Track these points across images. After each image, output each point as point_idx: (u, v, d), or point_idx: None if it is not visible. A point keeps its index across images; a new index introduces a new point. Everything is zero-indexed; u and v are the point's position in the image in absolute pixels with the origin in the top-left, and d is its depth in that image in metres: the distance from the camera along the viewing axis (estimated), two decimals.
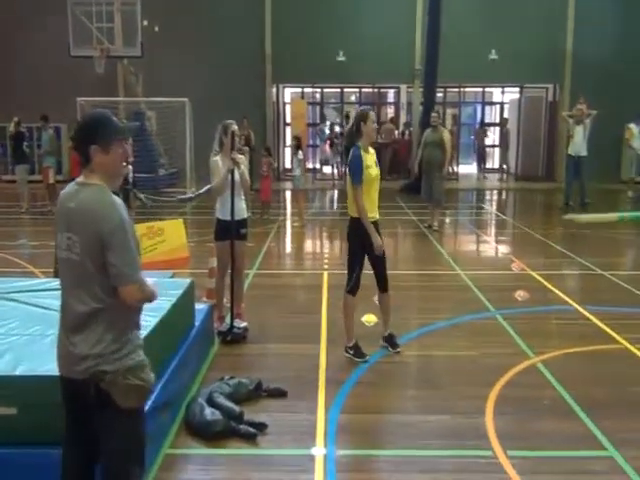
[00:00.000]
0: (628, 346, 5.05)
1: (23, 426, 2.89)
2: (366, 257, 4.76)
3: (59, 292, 4.32)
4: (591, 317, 5.79)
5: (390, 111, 19.81)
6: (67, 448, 2.51)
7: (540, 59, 16.44)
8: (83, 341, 2.30)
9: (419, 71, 16.10)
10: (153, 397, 3.38)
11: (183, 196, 7.12)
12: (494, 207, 14.56)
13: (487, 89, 19.59)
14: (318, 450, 3.54)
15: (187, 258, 7.57)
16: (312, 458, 3.46)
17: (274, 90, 17.26)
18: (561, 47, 16.73)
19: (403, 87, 17.72)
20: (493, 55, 16.69)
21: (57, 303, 4.00)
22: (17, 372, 2.98)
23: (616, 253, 9.24)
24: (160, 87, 14.83)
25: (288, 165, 17.78)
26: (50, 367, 2.78)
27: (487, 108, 20.57)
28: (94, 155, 2.31)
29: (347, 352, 4.80)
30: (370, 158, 4.65)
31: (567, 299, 6.40)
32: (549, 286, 6.88)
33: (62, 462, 2.52)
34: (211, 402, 3.82)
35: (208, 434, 3.61)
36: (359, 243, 4.68)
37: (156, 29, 15.01)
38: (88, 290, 2.29)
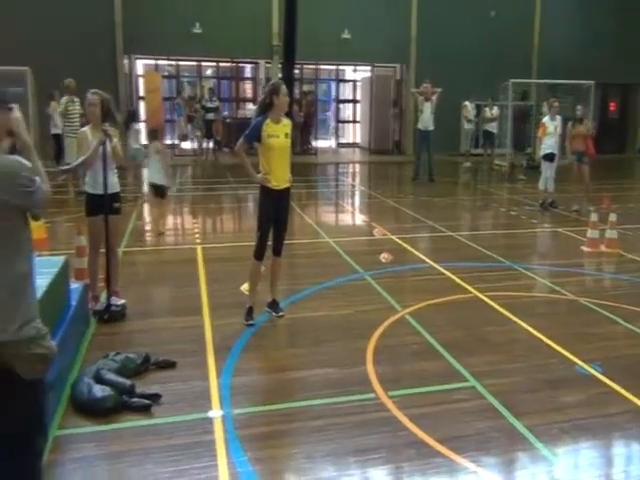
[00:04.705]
0: (477, 294, 5.77)
1: None
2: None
3: None
4: (445, 272, 6.49)
5: (248, 86, 19.74)
6: None
7: (389, 40, 17.44)
8: None
9: (277, 47, 16.20)
10: None
11: (63, 167, 6.79)
12: (352, 179, 15.32)
13: (340, 67, 20.31)
14: (215, 412, 3.64)
15: (45, 240, 7.03)
16: (210, 420, 3.56)
17: (126, 62, 16.30)
18: (407, 30, 17.87)
19: (262, 62, 17.71)
20: (346, 34, 17.35)
21: None
22: None
23: (459, 216, 10.35)
24: None
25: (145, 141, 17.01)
26: None
27: (340, 85, 21.35)
28: None
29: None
30: (279, 129, 4.83)
31: (424, 258, 7.08)
32: (408, 247, 7.54)
33: None
34: (99, 379, 3.72)
35: (100, 411, 3.54)
36: (262, 209, 4.96)
37: None
38: None
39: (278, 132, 4.85)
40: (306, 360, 4.40)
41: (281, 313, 5.15)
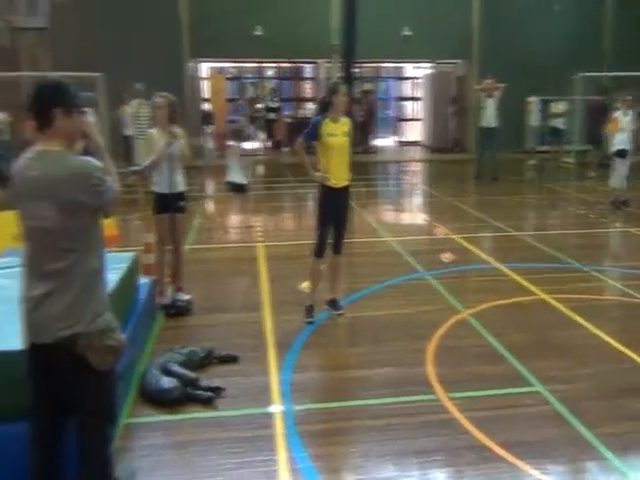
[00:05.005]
0: (544, 296, 5.58)
1: None
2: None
3: None
4: (510, 273, 6.31)
5: (308, 86, 19.87)
6: (36, 419, 2.50)
7: (450, 36, 17.11)
8: (52, 304, 2.29)
9: (337, 46, 16.23)
10: None
11: (133, 168, 7.40)
12: (412, 178, 15.13)
13: (401, 65, 20.10)
14: (275, 407, 3.70)
15: (116, 237, 7.36)
16: (271, 415, 3.62)
17: (191, 65, 16.81)
18: (469, 25, 17.47)
19: (321, 62, 17.80)
20: (407, 32, 17.15)
21: None
22: None
23: (524, 216, 10.02)
24: (69, 60, 13.98)
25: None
26: (7, 343, 2.73)
27: (401, 83, 21.13)
28: (57, 118, 2.28)
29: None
30: (338, 128, 4.87)
31: (488, 258, 6.92)
32: (470, 247, 7.38)
33: (31, 432, 2.51)
34: (165, 371, 3.86)
35: (166, 401, 3.67)
36: (321, 207, 4.98)
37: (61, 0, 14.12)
38: (61, 252, 2.27)
39: (337, 131, 4.88)
40: (366, 359, 4.40)
41: (341, 311, 5.17)
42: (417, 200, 12.19)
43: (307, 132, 4.97)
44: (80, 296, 2.30)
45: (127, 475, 2.89)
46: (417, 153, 19.02)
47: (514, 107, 15.56)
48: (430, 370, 4.16)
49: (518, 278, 6.12)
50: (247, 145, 17.65)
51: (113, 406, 2.55)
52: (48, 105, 2.28)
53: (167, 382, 3.72)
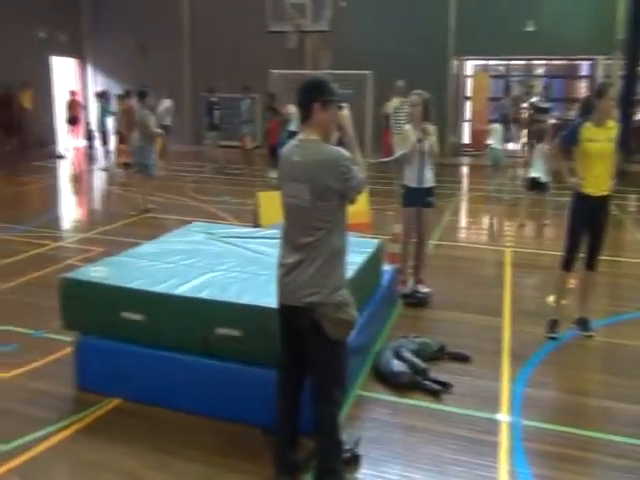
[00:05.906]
0: None
1: (246, 348, 3.34)
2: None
3: (267, 240, 4.83)
4: None
5: (582, 85, 18.14)
6: (282, 370, 2.88)
7: None
8: (300, 273, 2.59)
9: (620, 41, 14.46)
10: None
11: (381, 159, 7.99)
12: None
13: None
14: (503, 416, 3.57)
15: (369, 224, 7.82)
16: (497, 423, 3.51)
17: (456, 63, 16.80)
18: None
19: (600, 59, 16.06)
20: None
21: (266, 249, 4.49)
22: (242, 301, 3.43)
23: None
24: (344, 59, 15.26)
25: (466, 140, 17.30)
26: (269, 300, 3.17)
27: None
28: (315, 111, 2.57)
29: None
30: (601, 133, 4.46)
31: None
32: None
33: (278, 381, 2.90)
34: (398, 355, 4.02)
35: (395, 384, 3.84)
36: (573, 216, 4.64)
37: (343, 4, 15.43)
38: (311, 229, 2.57)
39: (599, 136, 4.42)
40: (613, 390, 3.93)
41: (590, 333, 4.69)
42: None
43: (565, 135, 4.63)
44: (322, 269, 2.57)
45: (352, 441, 3.11)
46: None
47: None
48: None
49: None
50: (511, 146, 16.95)
51: (342, 375, 2.77)
52: (308, 99, 2.59)
53: (397, 365, 3.88)
